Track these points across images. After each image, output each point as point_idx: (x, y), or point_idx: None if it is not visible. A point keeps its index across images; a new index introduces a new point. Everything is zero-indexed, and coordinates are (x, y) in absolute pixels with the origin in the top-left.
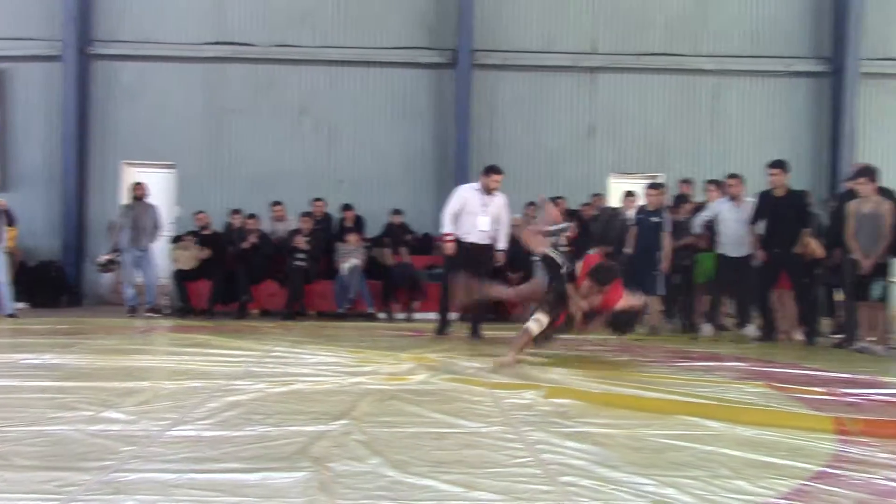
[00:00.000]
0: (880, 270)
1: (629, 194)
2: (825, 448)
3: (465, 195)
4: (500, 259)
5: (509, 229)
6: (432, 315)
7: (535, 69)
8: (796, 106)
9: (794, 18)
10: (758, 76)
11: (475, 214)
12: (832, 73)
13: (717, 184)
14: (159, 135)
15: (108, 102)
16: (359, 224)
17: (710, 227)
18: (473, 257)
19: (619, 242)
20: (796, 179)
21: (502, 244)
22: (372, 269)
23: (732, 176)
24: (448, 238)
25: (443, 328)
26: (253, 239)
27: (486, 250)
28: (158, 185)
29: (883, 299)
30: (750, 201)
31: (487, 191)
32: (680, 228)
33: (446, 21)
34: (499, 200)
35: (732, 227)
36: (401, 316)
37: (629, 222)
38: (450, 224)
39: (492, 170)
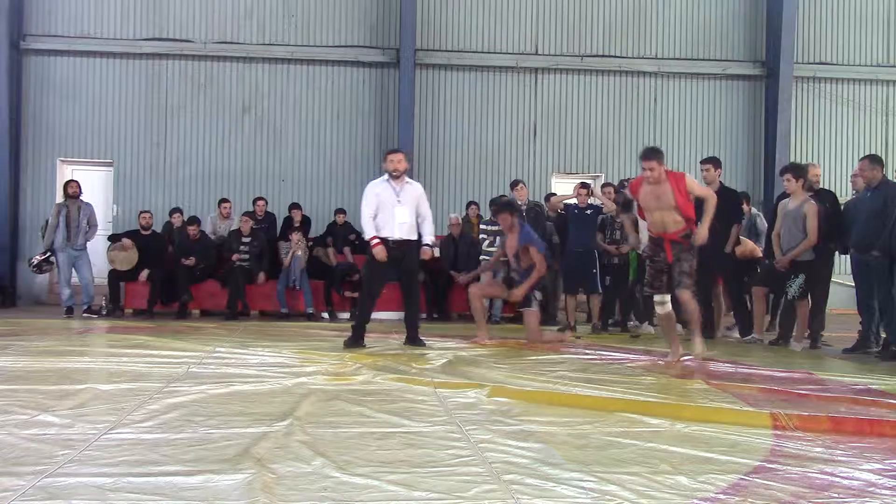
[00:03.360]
0: (800, 269)
1: (583, 186)
2: (762, 443)
3: (376, 190)
4: (428, 255)
5: (431, 221)
6: (375, 315)
7: (478, 69)
8: (733, 107)
9: (730, 23)
10: (696, 78)
11: (391, 207)
12: (767, 76)
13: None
14: (96, 132)
15: (42, 98)
16: (305, 223)
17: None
18: (396, 256)
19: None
20: (734, 179)
21: (429, 238)
22: (314, 268)
23: None
24: (374, 242)
25: (356, 340)
26: (190, 262)
27: (411, 245)
28: (96, 183)
29: (798, 297)
30: None
31: (395, 178)
32: (610, 227)
33: (389, 20)
34: (414, 190)
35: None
36: (344, 316)
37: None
38: (370, 227)
39: (390, 151)
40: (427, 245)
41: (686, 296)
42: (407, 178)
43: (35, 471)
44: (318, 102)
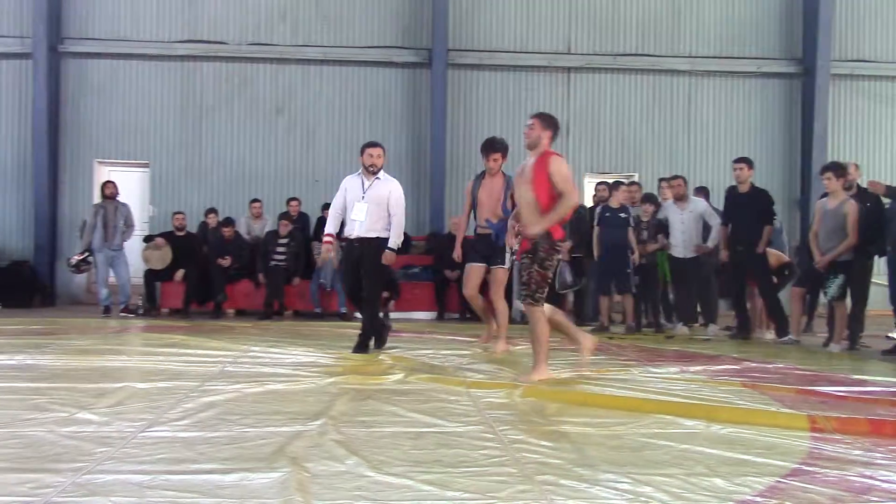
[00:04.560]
0: (839, 269)
1: (615, 185)
2: (800, 445)
3: (346, 184)
4: (389, 259)
5: (400, 223)
6: (408, 315)
7: (510, 69)
8: (769, 106)
9: (765, 20)
10: (731, 77)
11: (352, 203)
12: (803, 74)
13: (669, 182)
14: (132, 133)
15: (80, 100)
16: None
17: (665, 227)
18: (354, 254)
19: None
20: (770, 178)
21: (393, 240)
22: None
23: (675, 177)
24: (326, 239)
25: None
26: (225, 262)
27: (366, 243)
28: (132, 184)
29: (838, 298)
30: (695, 200)
31: (368, 173)
32: (642, 228)
33: (422, 21)
34: (385, 185)
35: (677, 227)
36: None
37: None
38: (330, 223)
39: (367, 145)
40: (388, 248)
41: (527, 310)
42: (381, 175)
43: (74, 468)
44: (350, 103)
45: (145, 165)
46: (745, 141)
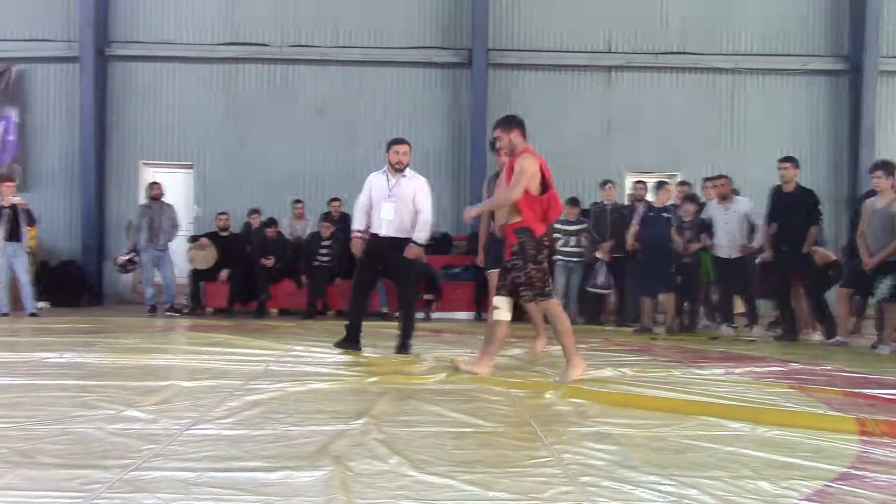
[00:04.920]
0: (888, 269)
1: (659, 185)
2: (848, 449)
3: (372, 181)
4: (414, 253)
5: (427, 219)
6: (449, 315)
7: (551, 68)
8: (814, 104)
9: (811, 16)
10: (775, 74)
11: (379, 202)
12: (850, 70)
13: (713, 182)
14: (177, 135)
15: (126, 103)
16: None
17: (708, 227)
18: (379, 254)
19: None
20: (817, 177)
21: (420, 235)
22: None
23: (719, 176)
24: (355, 235)
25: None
26: (269, 262)
27: (395, 244)
28: (177, 184)
29: (887, 299)
30: (740, 200)
31: (394, 171)
32: (684, 227)
33: (462, 21)
34: (411, 182)
35: (721, 227)
36: (419, 315)
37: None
38: (358, 219)
39: (394, 142)
40: (413, 242)
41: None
42: (407, 173)
43: (122, 464)
44: (391, 103)
45: (189, 166)
46: (790, 139)
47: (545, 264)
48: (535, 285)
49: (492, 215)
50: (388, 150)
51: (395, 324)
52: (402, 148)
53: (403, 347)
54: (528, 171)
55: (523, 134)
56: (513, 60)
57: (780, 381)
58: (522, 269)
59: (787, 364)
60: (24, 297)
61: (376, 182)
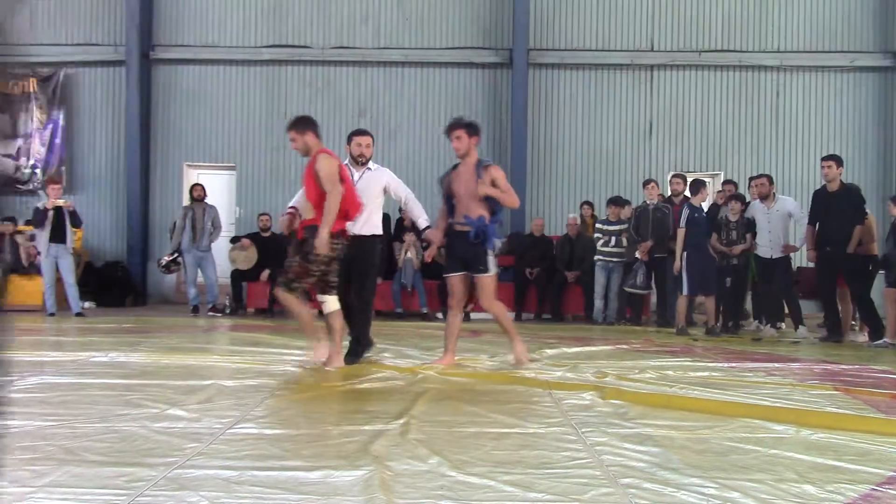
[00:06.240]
0: None
1: (726, 183)
2: (895, 453)
3: None
4: (434, 237)
5: (416, 200)
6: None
7: (592, 67)
8: (862, 101)
9: (858, 12)
10: (821, 71)
11: None
12: None
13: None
14: (220, 137)
15: (170, 105)
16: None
17: (753, 226)
18: (348, 251)
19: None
20: (864, 176)
21: (422, 218)
22: (429, 268)
23: (760, 175)
24: (287, 212)
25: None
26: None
27: (362, 242)
28: (219, 186)
29: None
30: (782, 199)
31: (357, 164)
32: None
33: (502, 21)
34: (377, 175)
35: (764, 227)
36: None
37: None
38: (295, 198)
39: (356, 133)
40: (427, 226)
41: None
42: (371, 165)
43: (166, 462)
44: (431, 104)
45: (232, 168)
46: (837, 137)
47: (314, 266)
48: (288, 274)
49: (451, 211)
50: (348, 141)
51: (437, 324)
52: (365, 140)
53: (354, 354)
54: (332, 171)
55: (317, 135)
56: (553, 60)
57: (824, 382)
58: (296, 262)
59: (832, 366)
60: (69, 297)
61: None
